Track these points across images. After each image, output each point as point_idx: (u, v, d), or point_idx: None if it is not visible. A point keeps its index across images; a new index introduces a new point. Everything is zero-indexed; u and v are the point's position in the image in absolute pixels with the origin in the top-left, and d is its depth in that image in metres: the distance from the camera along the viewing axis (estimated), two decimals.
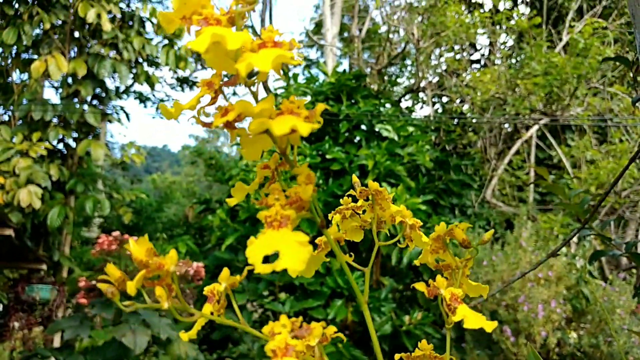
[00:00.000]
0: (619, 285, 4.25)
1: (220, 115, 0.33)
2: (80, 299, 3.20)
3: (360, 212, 0.39)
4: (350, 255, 0.43)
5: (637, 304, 3.98)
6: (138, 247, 0.31)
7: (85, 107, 4.97)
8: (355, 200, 0.38)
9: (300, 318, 0.31)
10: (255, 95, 0.34)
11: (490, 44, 7.79)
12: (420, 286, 0.39)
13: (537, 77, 5.98)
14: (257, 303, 5.28)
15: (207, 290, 0.33)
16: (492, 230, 0.53)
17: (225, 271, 0.35)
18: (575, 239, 5.11)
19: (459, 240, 0.37)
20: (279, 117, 0.33)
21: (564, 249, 4.53)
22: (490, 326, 0.35)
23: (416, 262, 0.39)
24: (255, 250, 0.30)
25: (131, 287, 0.32)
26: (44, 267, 4.74)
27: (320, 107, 0.30)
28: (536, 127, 6.74)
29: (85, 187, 4.85)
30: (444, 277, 0.42)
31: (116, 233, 3.27)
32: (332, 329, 0.34)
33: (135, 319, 3.20)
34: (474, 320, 0.33)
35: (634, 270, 5.54)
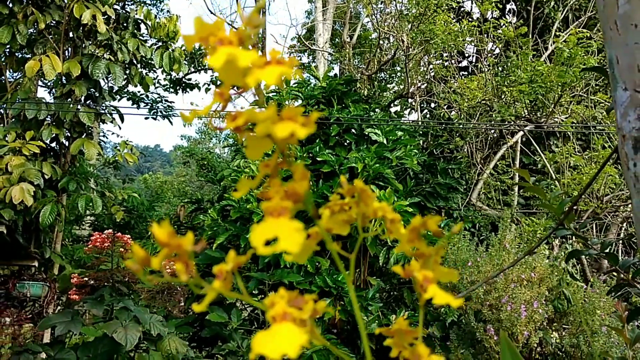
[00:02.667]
0: (600, 287, 4.38)
1: (230, 120, 0.39)
2: (72, 295, 3.25)
3: (347, 208, 0.44)
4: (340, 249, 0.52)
5: (616, 301, 4.11)
6: (161, 230, 0.37)
7: (79, 107, 5.02)
8: (342, 197, 0.44)
9: (297, 291, 0.37)
10: (260, 104, 0.41)
11: (478, 52, 7.95)
12: (397, 268, 0.46)
13: (523, 84, 6.13)
14: (246, 302, 5.34)
15: (215, 269, 0.38)
16: (462, 223, 0.61)
17: (232, 252, 0.40)
18: (557, 242, 5.25)
19: (431, 231, 0.43)
20: (281, 123, 0.39)
21: (546, 252, 4.66)
22: (456, 303, 0.40)
23: (396, 251, 0.45)
24: (258, 235, 0.35)
25: (155, 263, 0.38)
26: (35, 264, 4.78)
27: (315, 115, 0.37)
28: (521, 133, 6.90)
29: (78, 186, 4.89)
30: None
31: (109, 231, 3.33)
32: (322, 304, 0.39)
33: (126, 315, 3.26)
34: (442, 297, 0.38)
35: (614, 273, 5.69)
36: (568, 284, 4.23)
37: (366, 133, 5.88)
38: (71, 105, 4.97)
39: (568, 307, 4.29)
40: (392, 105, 8.23)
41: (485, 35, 7.30)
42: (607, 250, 1.17)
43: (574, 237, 1.38)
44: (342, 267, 0.52)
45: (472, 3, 8.80)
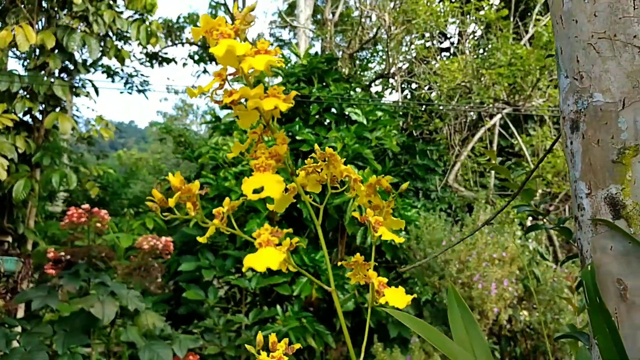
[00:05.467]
0: (569, 267, 4.53)
1: (227, 95, 0.49)
2: (48, 270, 3.23)
3: (319, 170, 0.54)
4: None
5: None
6: (175, 178, 0.47)
7: (53, 79, 4.89)
8: (316, 161, 0.54)
9: (277, 227, 0.46)
10: (250, 84, 0.48)
11: (460, 33, 7.96)
12: (355, 214, 0.55)
13: (502, 67, 6.19)
14: (223, 280, 5.36)
15: (215, 210, 0.48)
16: (408, 182, 0.68)
17: (227, 200, 0.50)
18: (528, 222, 5.38)
19: (384, 187, 0.52)
20: (267, 98, 0.49)
21: (518, 233, 4.78)
22: (399, 240, 0.50)
23: (355, 204, 0.54)
24: (248, 185, 0.46)
25: (172, 202, 0.47)
26: (9, 239, 4.71)
27: (294, 93, 0.45)
28: (499, 116, 6.99)
29: (52, 161, 4.80)
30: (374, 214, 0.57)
31: (86, 206, 3.30)
32: (296, 239, 0.50)
33: (103, 290, 3.25)
34: (388, 235, 0.49)
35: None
36: (538, 263, 4.36)
37: (346, 113, 5.88)
38: (45, 78, 4.84)
39: (537, 286, 4.42)
40: (373, 84, 8.23)
41: (467, 16, 7.32)
42: (563, 225, 1.23)
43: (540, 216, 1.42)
44: (326, 253, 0.57)
45: None
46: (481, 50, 7.55)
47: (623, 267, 0.60)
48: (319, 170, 0.55)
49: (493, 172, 7.31)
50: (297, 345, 0.59)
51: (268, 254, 0.47)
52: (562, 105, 0.70)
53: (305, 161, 0.56)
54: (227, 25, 0.48)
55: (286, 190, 0.56)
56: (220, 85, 0.51)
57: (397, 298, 0.50)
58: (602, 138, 0.64)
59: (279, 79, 6.31)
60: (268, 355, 0.53)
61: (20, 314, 4.55)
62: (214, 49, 0.47)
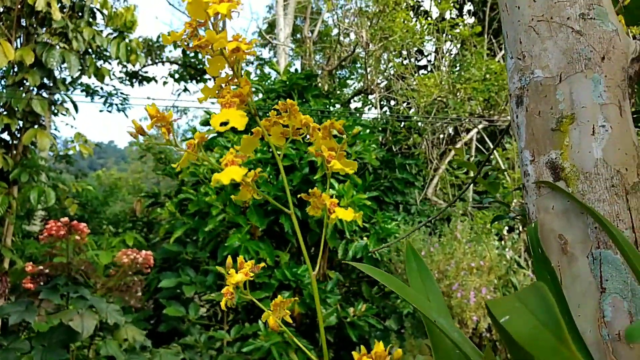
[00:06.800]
0: None
1: (197, 40, 0.54)
2: (26, 284, 3.19)
3: (282, 121, 0.61)
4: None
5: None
6: (151, 108, 0.53)
7: (32, 96, 4.88)
8: (279, 113, 0.60)
9: (242, 153, 0.52)
10: (216, 29, 0.53)
11: (436, 50, 8.17)
12: (310, 149, 0.61)
13: (477, 82, 6.36)
14: (204, 299, 5.33)
15: (187, 142, 0.54)
16: (344, 120, 0.76)
17: (198, 133, 0.56)
18: (505, 232, 5.48)
19: (337, 129, 0.59)
20: (230, 42, 0.56)
21: (496, 243, 4.87)
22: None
23: (311, 149, 0.60)
24: (216, 119, 0.54)
25: (149, 127, 0.54)
26: None
27: (254, 40, 0.52)
28: (475, 130, 7.15)
29: (30, 177, 4.76)
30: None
31: (65, 219, 3.28)
32: (258, 170, 0.58)
33: (82, 304, 3.23)
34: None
35: None
36: (515, 272, 4.44)
37: None
38: (24, 95, 4.84)
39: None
40: (352, 101, 8.36)
41: (443, 34, 7.52)
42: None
43: (516, 218, 1.48)
44: (309, 265, 0.63)
45: (431, 2, 9.04)
46: (457, 67, 7.75)
47: (563, 223, 0.66)
48: (281, 121, 0.62)
49: (472, 185, 7.45)
50: None
51: (232, 170, 0.55)
52: (509, 83, 0.77)
53: (269, 113, 0.63)
54: None
55: (251, 133, 0.62)
56: (191, 32, 0.57)
57: (345, 214, 0.58)
58: (543, 110, 0.71)
59: (260, 96, 6.39)
60: None
61: None
62: None
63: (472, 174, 7.05)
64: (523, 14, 0.75)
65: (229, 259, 0.69)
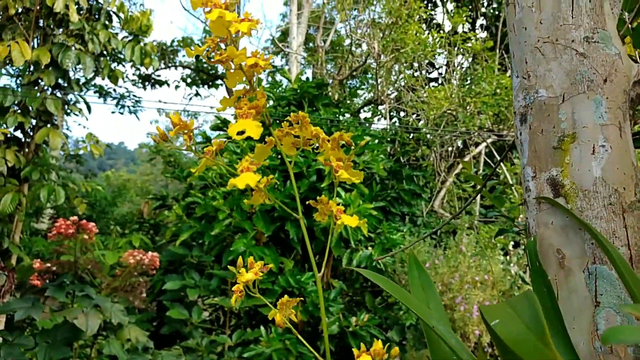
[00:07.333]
0: None
1: (218, 55, 0.57)
2: (33, 281, 3.23)
3: (293, 132, 0.64)
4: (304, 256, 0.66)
5: None
6: (174, 116, 0.57)
7: (47, 95, 4.96)
8: (291, 124, 0.64)
9: (255, 167, 0.55)
10: (236, 45, 0.57)
11: (447, 63, 8.20)
12: (320, 158, 0.64)
13: (487, 96, 6.38)
14: (207, 302, 5.35)
15: (206, 149, 0.57)
16: (352, 132, 0.80)
17: (215, 140, 0.59)
18: (511, 247, 5.47)
19: (345, 141, 0.62)
20: (249, 58, 0.61)
21: (501, 257, 4.86)
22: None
23: (320, 159, 0.64)
24: (233, 128, 0.57)
25: (172, 134, 0.59)
26: None
27: (271, 56, 0.57)
28: (484, 144, 7.16)
29: (41, 176, 4.82)
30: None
31: (74, 218, 3.33)
32: (271, 176, 0.61)
33: (87, 302, 3.26)
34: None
35: None
36: (519, 287, 4.43)
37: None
38: (39, 94, 4.91)
39: None
40: (361, 111, 8.40)
41: (455, 47, 7.56)
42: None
43: (520, 231, 1.50)
44: (318, 279, 0.67)
45: (443, 15, 9.09)
46: (467, 80, 7.78)
47: (562, 239, 0.69)
48: (293, 132, 0.65)
49: (478, 199, 7.44)
50: None
51: (247, 176, 0.59)
52: (514, 101, 0.80)
53: (282, 124, 0.67)
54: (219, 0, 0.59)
55: (265, 142, 0.66)
56: (212, 48, 0.61)
57: (351, 220, 0.62)
58: (545, 128, 0.74)
59: (271, 103, 6.44)
60: None
61: (0, 326, 4.49)
62: (208, 14, 0.58)
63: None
64: (529, 35, 0.78)
65: (240, 259, 0.73)
